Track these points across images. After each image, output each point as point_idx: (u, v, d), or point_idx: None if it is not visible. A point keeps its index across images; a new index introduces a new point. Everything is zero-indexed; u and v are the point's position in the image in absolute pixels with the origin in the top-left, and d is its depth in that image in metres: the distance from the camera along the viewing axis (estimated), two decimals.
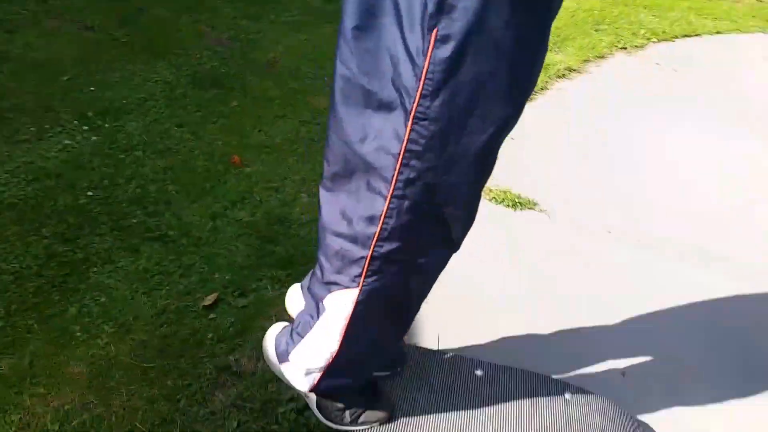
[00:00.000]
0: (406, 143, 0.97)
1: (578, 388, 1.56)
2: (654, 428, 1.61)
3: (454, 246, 1.18)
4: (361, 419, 1.37)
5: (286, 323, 1.39)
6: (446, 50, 0.89)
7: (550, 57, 4.10)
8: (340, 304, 1.17)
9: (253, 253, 2.00)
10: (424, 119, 0.94)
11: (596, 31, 4.79)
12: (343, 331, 1.19)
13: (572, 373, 1.75)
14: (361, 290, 1.13)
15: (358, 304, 1.15)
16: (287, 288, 1.82)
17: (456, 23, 0.87)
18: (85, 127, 2.50)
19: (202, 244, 2.00)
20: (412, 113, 0.94)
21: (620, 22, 5.11)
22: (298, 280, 1.87)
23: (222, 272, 1.90)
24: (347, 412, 1.37)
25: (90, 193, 2.11)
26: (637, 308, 2.04)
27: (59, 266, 1.82)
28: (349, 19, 0.95)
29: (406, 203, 1.03)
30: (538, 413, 1.47)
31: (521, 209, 2.47)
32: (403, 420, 1.40)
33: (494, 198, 2.49)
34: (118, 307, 1.72)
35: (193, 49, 3.49)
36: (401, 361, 1.53)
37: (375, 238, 1.07)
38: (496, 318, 1.91)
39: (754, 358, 1.94)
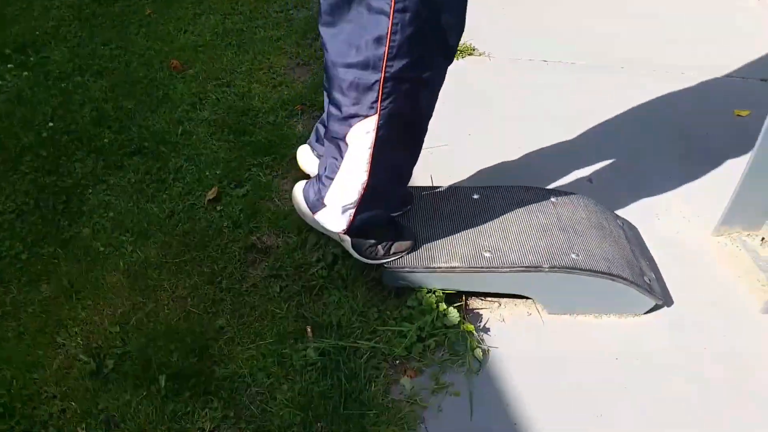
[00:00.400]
0: None
1: (561, 191, 1.80)
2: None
3: (450, 55, 1.29)
4: (392, 250, 1.55)
5: (305, 180, 1.52)
6: None
7: None
8: (362, 134, 1.27)
9: (232, 147, 2.07)
10: None
11: None
12: (370, 160, 1.30)
13: (549, 186, 1.99)
14: (379, 115, 1.24)
15: (379, 129, 1.25)
16: (278, 172, 1.95)
17: None
18: (10, 65, 2.39)
19: (181, 147, 2.05)
20: None
21: None
22: (283, 162, 1.99)
23: (211, 169, 1.97)
24: (379, 247, 1.54)
25: (51, 125, 2.08)
26: (586, 122, 2.29)
27: (54, 195, 1.84)
28: None
29: (408, 15, 1.11)
30: (533, 217, 1.69)
31: (463, 56, 2.61)
32: (425, 246, 1.60)
33: None
34: (129, 218, 1.78)
35: None
36: (410, 200, 1.70)
37: (385, 58, 1.16)
38: (472, 153, 2.11)
39: (691, 142, 2.25)
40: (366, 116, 1.25)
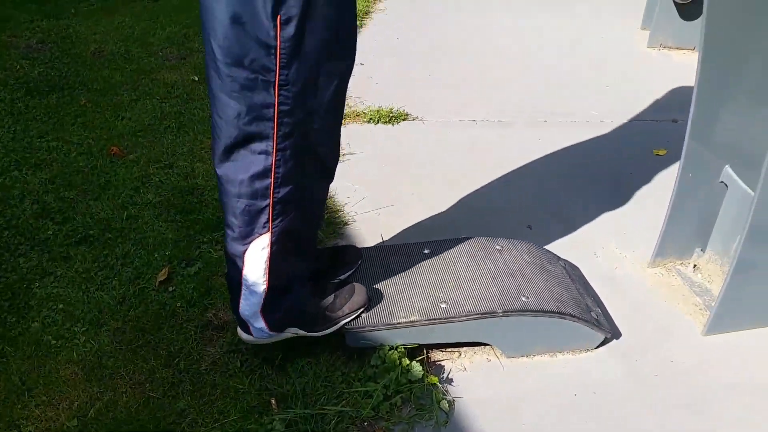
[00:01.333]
0: (277, 106, 1.24)
1: (505, 239, 1.88)
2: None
3: (330, 176, 1.49)
4: (346, 310, 1.58)
5: None
6: (290, 29, 1.18)
7: None
8: (258, 251, 1.41)
9: (180, 226, 2.08)
10: (287, 85, 1.23)
11: None
12: (267, 272, 1.43)
13: (492, 235, 2.07)
14: (272, 232, 1.38)
15: (273, 244, 1.40)
16: None
17: (293, 8, 1.16)
18: None
19: (127, 233, 2.04)
20: (276, 83, 1.22)
21: None
22: None
23: (160, 250, 1.97)
24: (325, 312, 1.57)
25: None
26: (519, 173, 2.43)
27: None
28: (215, 45, 1.22)
29: (288, 152, 1.31)
30: (482, 265, 1.76)
31: (398, 122, 2.74)
32: (383, 303, 1.63)
33: (371, 119, 2.72)
34: (79, 308, 1.75)
35: (8, 61, 3.28)
36: (357, 257, 1.77)
37: (272, 188, 1.33)
38: (417, 211, 2.19)
39: (619, 183, 2.41)
40: (260, 234, 1.39)
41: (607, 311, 1.84)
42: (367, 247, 1.86)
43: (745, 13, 1.63)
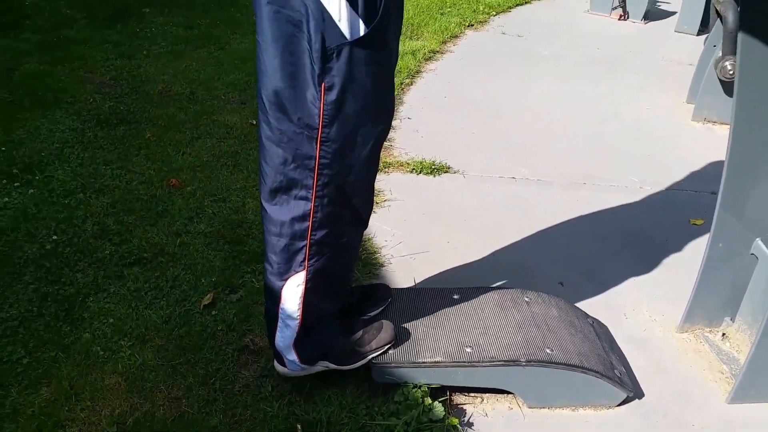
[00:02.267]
0: (318, 159, 1.40)
1: (534, 292, 1.94)
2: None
3: (364, 225, 1.63)
4: (372, 345, 1.66)
5: None
6: (333, 95, 1.34)
7: (413, 44, 4.53)
8: (294, 287, 1.54)
9: (227, 255, 2.21)
10: (327, 141, 1.39)
11: (442, 14, 5.31)
12: (301, 308, 1.57)
13: (523, 288, 2.13)
14: (307, 271, 1.52)
15: (308, 282, 1.54)
16: None
17: (336, 78, 1.33)
18: (16, 184, 2.55)
19: (178, 258, 2.18)
20: (319, 139, 1.38)
21: (461, 3, 5.68)
22: None
23: (207, 276, 2.09)
24: (354, 346, 1.66)
25: (54, 238, 2.21)
26: (554, 232, 2.49)
27: (56, 303, 1.93)
28: (267, 102, 1.38)
29: (326, 200, 1.45)
30: (510, 314, 1.82)
31: (439, 174, 2.85)
32: (410, 342, 1.70)
33: (414, 169, 2.85)
34: (128, 324, 1.88)
35: (83, 95, 3.53)
36: (387, 295, 1.86)
37: (309, 230, 1.48)
38: (450, 258, 2.27)
39: (654, 249, 2.45)
40: (296, 272, 1.53)
41: (631, 371, 1.86)
42: (398, 288, 1.95)
43: None
